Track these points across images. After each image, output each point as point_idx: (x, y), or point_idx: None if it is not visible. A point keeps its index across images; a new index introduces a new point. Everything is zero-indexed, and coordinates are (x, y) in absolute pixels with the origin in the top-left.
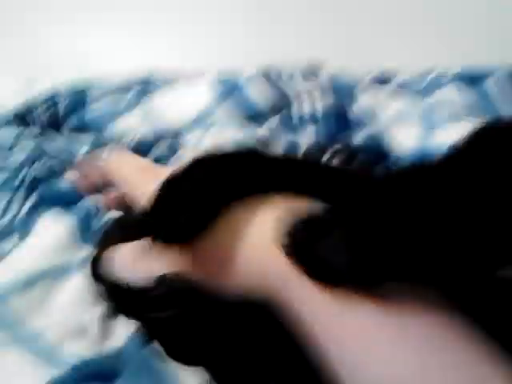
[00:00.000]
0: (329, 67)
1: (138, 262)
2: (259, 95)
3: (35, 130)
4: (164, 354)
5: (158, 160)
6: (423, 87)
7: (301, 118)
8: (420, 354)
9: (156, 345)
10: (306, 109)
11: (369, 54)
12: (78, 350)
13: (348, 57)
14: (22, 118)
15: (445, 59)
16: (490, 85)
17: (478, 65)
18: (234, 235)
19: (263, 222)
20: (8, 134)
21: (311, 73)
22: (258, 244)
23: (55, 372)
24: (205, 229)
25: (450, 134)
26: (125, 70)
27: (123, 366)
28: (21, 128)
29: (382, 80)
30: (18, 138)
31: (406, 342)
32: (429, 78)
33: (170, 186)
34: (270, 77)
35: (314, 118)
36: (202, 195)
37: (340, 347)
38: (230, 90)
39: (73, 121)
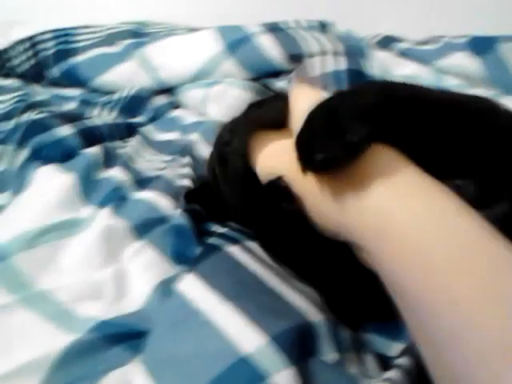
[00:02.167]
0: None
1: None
2: (273, 45)
3: (16, 82)
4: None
5: (153, 118)
6: (430, 53)
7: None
8: None
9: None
10: (321, 68)
11: (372, 19)
12: (94, 312)
13: (349, 22)
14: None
15: (448, 28)
16: (502, 52)
17: (485, 34)
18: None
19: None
20: None
21: (322, 28)
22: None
23: (71, 336)
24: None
25: None
26: (110, 22)
27: (148, 324)
28: None
29: (387, 44)
30: None
31: None
32: (438, 43)
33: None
34: (281, 28)
35: (328, 79)
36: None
37: None
38: (240, 39)
39: (57, 71)
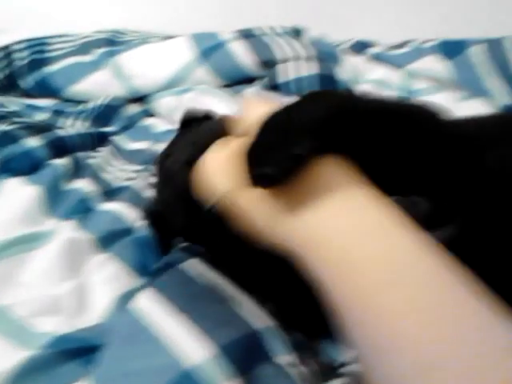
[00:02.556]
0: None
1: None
2: (246, 52)
3: None
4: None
5: (125, 127)
6: (402, 57)
7: (286, 83)
8: None
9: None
10: (293, 73)
11: (345, 24)
12: (53, 327)
13: (324, 26)
14: None
15: (420, 32)
16: (471, 55)
17: (454, 37)
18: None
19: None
20: None
21: (295, 34)
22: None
23: (26, 352)
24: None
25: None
26: (85, 30)
27: (105, 338)
28: None
29: (360, 48)
30: None
31: None
32: (409, 47)
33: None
34: (254, 34)
35: (299, 84)
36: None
37: None
38: (213, 46)
39: (31, 81)
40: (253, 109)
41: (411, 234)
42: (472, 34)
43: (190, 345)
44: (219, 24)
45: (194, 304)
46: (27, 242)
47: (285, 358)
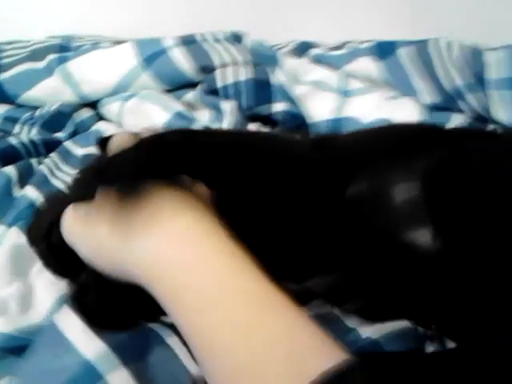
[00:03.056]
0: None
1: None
2: (185, 58)
3: None
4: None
5: (74, 133)
6: (339, 58)
7: (224, 88)
8: None
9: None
10: (230, 78)
11: (285, 26)
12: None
13: (264, 29)
14: None
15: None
16: (400, 56)
17: (389, 39)
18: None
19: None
20: None
21: (235, 39)
22: None
23: None
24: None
25: (365, 104)
26: (34, 37)
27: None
28: None
29: (304, 50)
30: None
31: None
32: (346, 48)
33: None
34: (195, 40)
35: (236, 89)
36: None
37: None
38: (156, 52)
39: None
40: (116, 144)
41: (232, 259)
42: (409, 36)
43: (87, 343)
44: (168, 29)
45: None
46: None
47: (175, 338)
